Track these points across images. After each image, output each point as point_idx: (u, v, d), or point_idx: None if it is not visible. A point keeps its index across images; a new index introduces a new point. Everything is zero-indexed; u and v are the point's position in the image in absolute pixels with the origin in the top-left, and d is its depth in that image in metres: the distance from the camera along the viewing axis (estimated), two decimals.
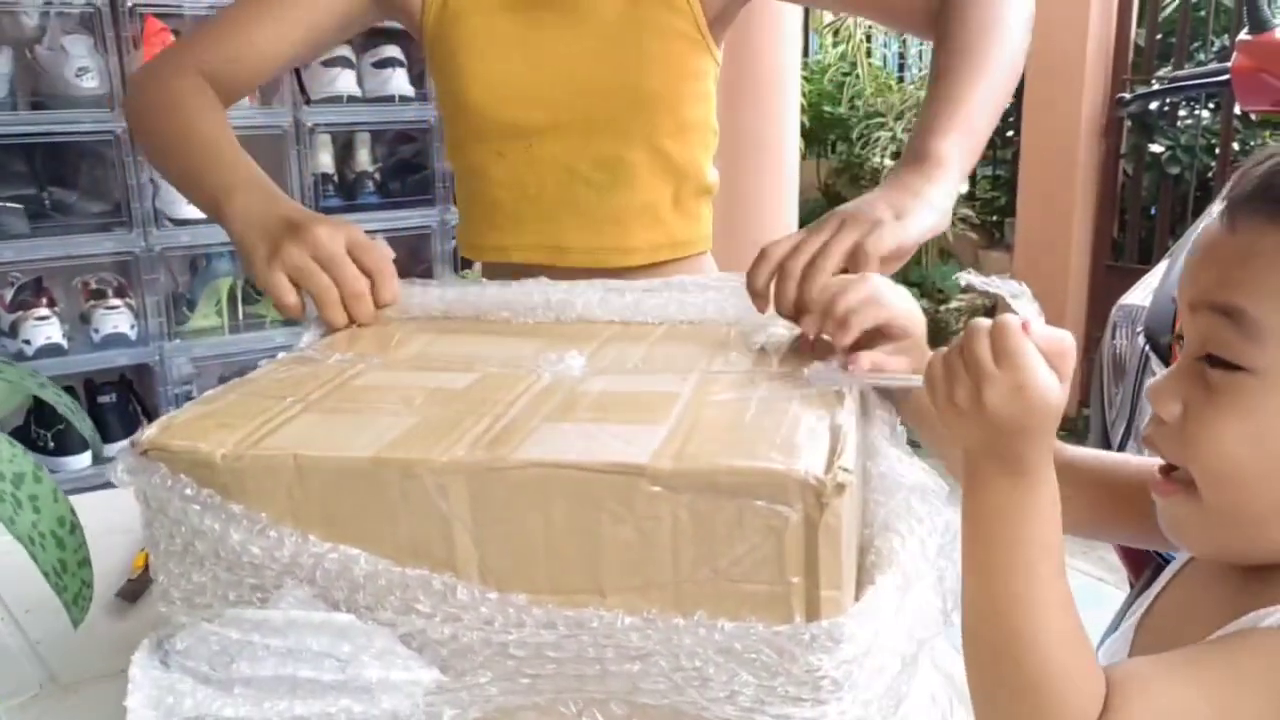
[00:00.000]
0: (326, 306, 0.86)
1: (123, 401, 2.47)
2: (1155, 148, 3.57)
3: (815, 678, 0.55)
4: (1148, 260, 3.47)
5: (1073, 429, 2.90)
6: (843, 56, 4.84)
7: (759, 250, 0.79)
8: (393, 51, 2.64)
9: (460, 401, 0.67)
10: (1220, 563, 0.65)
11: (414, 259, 2.73)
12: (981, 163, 3.52)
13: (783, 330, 0.80)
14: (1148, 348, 1.60)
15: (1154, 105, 3.44)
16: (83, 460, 2.39)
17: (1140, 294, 1.71)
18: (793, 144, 2.97)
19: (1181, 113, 3.60)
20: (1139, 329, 1.64)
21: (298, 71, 2.50)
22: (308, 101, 2.55)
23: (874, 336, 0.71)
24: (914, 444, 0.70)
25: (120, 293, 2.43)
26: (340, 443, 0.61)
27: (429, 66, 1.14)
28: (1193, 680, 0.55)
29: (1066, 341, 0.56)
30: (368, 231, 0.91)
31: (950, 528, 0.63)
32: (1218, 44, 3.49)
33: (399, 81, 2.62)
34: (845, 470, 0.54)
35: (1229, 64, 2.03)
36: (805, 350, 0.75)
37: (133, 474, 0.62)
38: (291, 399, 0.68)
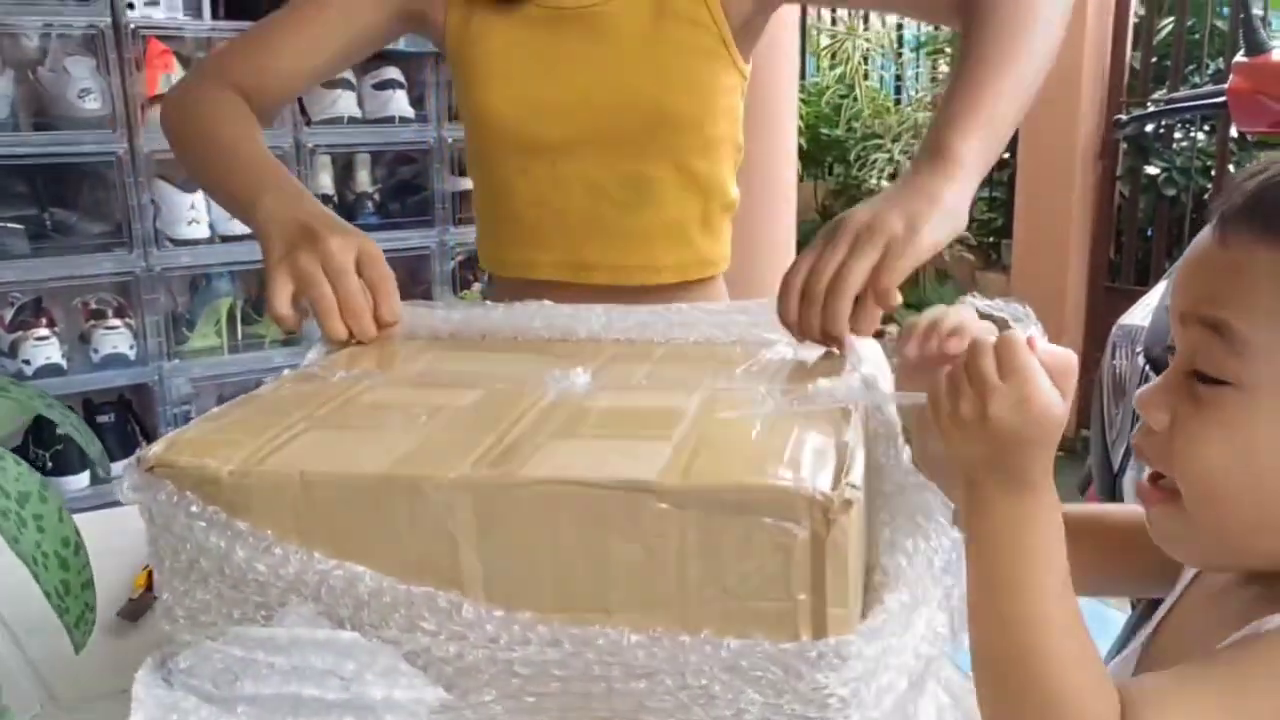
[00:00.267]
0: (325, 317, 0.86)
1: (121, 421, 2.47)
2: (1151, 170, 3.59)
3: (822, 696, 0.55)
4: (1145, 282, 3.49)
5: (1072, 450, 2.90)
6: (840, 79, 4.88)
7: (781, 282, 0.79)
8: (393, 73, 2.65)
9: (466, 418, 0.67)
10: (1226, 576, 0.65)
11: (413, 279, 2.74)
12: None
13: (787, 349, 0.80)
14: (1148, 368, 1.61)
15: (1150, 127, 3.46)
16: (81, 480, 2.39)
17: (1140, 314, 1.72)
18: (790, 166, 2.99)
19: (1177, 135, 3.63)
20: (1139, 349, 1.64)
21: None
22: (308, 123, 2.56)
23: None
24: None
25: (120, 313, 2.44)
26: (346, 459, 0.61)
27: (454, 81, 1.15)
28: (1205, 692, 0.55)
29: (1070, 359, 0.56)
30: None
31: (956, 546, 0.63)
32: (1212, 67, 3.51)
33: (399, 103, 2.64)
34: (853, 487, 0.54)
35: (1225, 86, 2.04)
36: (810, 369, 0.75)
37: (138, 490, 0.61)
38: (297, 415, 0.68)
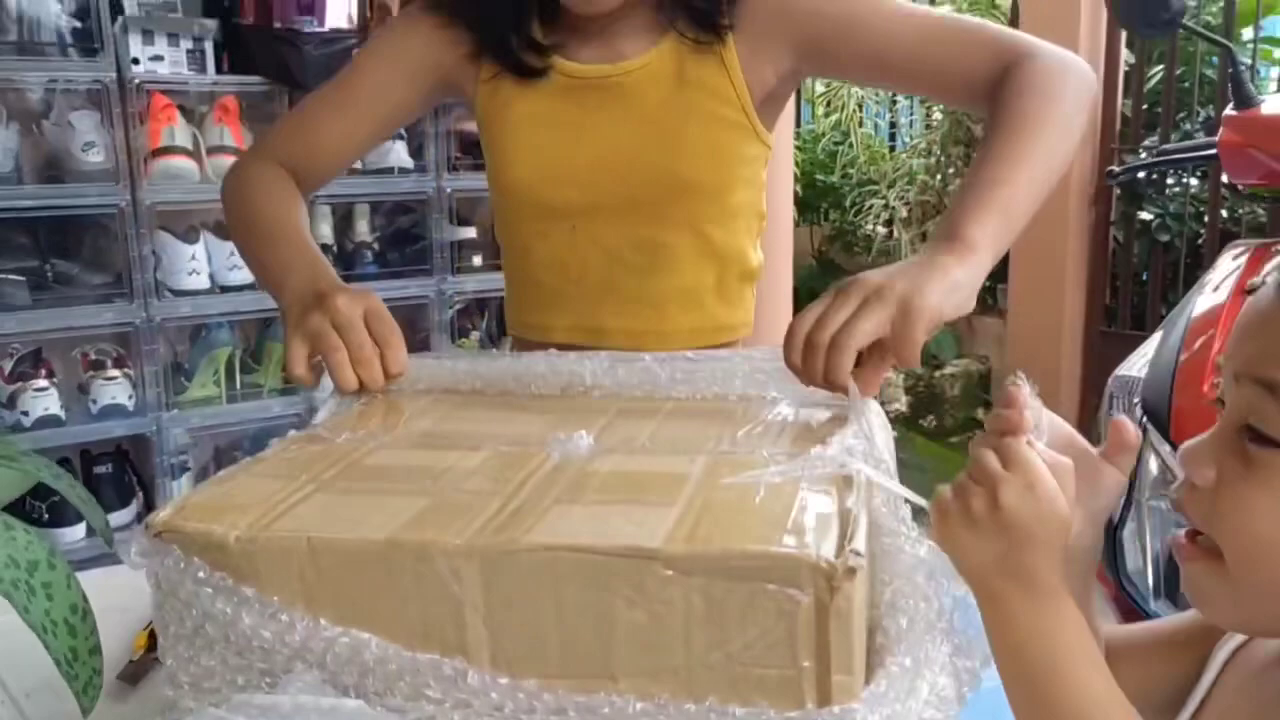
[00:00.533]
0: (337, 369, 0.89)
1: (118, 472, 2.47)
2: (1145, 215, 3.62)
3: None
4: (1141, 326, 3.50)
5: None
6: (835, 125, 4.92)
7: (788, 329, 0.82)
8: None
9: (471, 482, 0.67)
10: (1263, 656, 0.64)
11: (412, 328, 2.74)
12: None
13: (790, 408, 0.81)
14: (1146, 419, 1.61)
15: (1142, 174, 3.49)
16: (77, 532, 2.37)
17: (1137, 364, 1.72)
18: (786, 212, 3.01)
19: (1170, 180, 3.66)
20: (1136, 400, 1.65)
21: None
22: None
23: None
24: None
25: (119, 363, 2.44)
26: (353, 524, 0.61)
27: (483, 149, 1.17)
28: None
29: (1067, 463, 0.58)
30: None
31: (958, 605, 0.63)
32: (1203, 114, 3.55)
33: (398, 154, 2.66)
34: (856, 554, 0.55)
35: (1216, 138, 2.05)
36: (813, 431, 0.76)
37: (145, 556, 0.62)
38: (304, 478, 0.68)
